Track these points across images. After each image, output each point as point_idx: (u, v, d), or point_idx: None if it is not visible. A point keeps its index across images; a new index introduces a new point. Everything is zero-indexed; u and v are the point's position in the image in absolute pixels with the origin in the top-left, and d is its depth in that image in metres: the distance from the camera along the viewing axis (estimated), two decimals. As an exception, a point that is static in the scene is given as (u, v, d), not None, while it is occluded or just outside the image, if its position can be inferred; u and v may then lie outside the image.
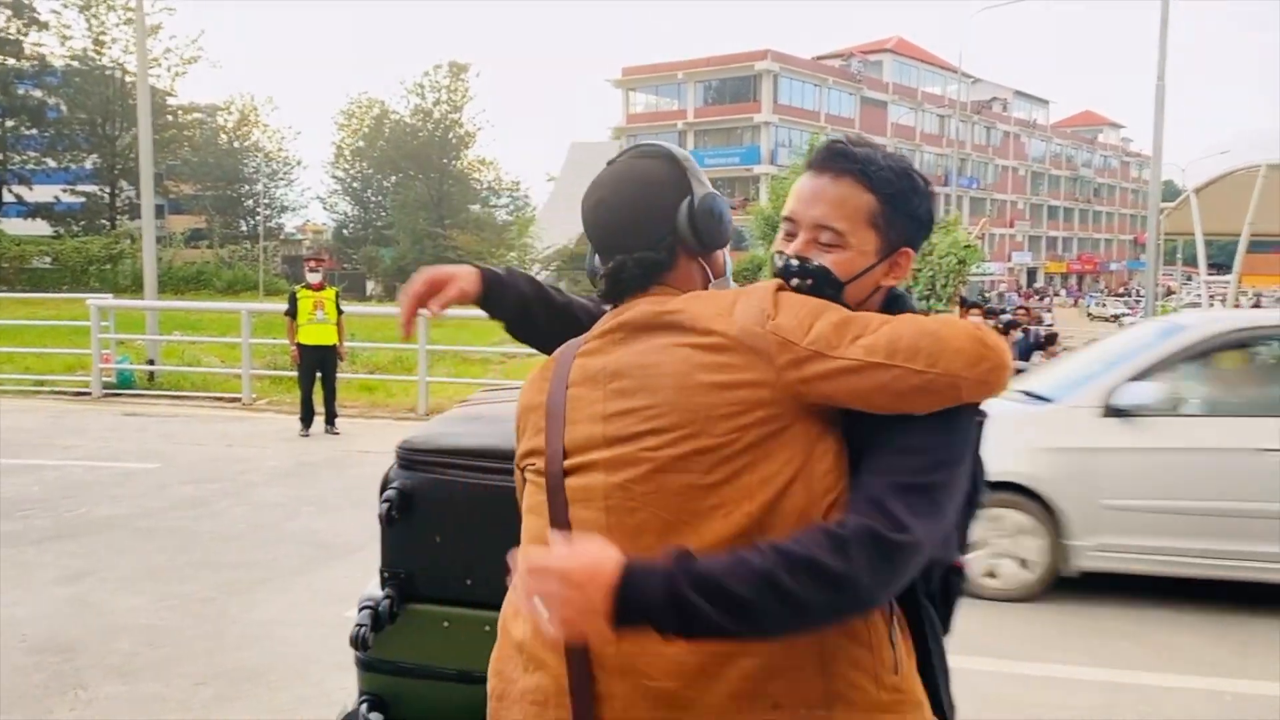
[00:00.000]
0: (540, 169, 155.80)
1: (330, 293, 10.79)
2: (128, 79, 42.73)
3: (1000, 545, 5.85)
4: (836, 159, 1.54)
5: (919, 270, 13.00)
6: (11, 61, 42.19)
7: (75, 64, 44.10)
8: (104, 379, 13.23)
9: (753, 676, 1.36)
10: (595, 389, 1.50)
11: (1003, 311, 19.45)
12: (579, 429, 1.49)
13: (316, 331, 10.54)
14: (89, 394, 13.10)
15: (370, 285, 51.79)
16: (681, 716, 1.38)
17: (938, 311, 12.79)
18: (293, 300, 10.63)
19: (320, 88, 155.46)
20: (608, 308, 1.64)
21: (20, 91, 42.83)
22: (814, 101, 60.97)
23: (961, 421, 1.42)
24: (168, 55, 44.94)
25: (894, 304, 1.58)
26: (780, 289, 1.48)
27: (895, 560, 1.31)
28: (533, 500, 1.56)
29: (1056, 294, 71.50)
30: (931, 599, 1.58)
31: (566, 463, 1.49)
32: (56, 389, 13.68)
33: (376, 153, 58.30)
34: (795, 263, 1.51)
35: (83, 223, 44.77)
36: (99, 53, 44.42)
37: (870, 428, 1.41)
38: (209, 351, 16.28)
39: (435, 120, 57.07)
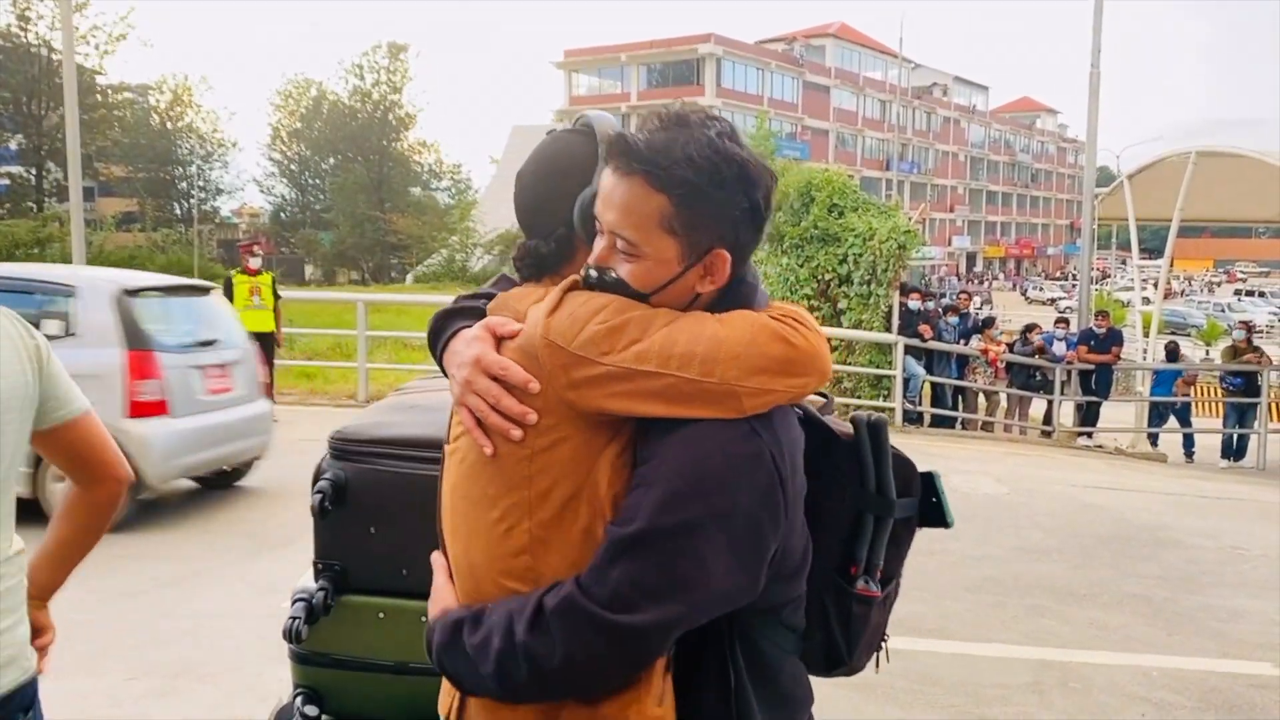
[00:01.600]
0: (483, 152, 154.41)
1: (267, 278, 10.64)
2: (54, 56, 41.45)
3: None
4: (622, 155, 1.32)
5: (860, 255, 13.08)
6: (-69, 38, 40.78)
7: (-2, 41, 42.73)
8: (32, 366, 12.86)
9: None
10: None
11: (943, 296, 19.77)
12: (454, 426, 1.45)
13: (253, 317, 10.35)
14: (16, 382, 12.74)
15: (309, 269, 51.05)
16: None
17: (878, 297, 12.90)
18: (228, 285, 10.43)
19: (256, 68, 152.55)
20: None
21: (-60, 69, 41.44)
22: (757, 85, 61.17)
23: (730, 440, 1.26)
24: (95, 32, 43.66)
25: (727, 301, 1.38)
26: (574, 286, 1.35)
27: (609, 639, 1.23)
28: None
29: (995, 278, 72.77)
30: (808, 628, 1.48)
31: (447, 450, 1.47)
32: (-18, 377, 13.27)
33: (314, 134, 57.39)
34: (594, 273, 1.35)
35: (8, 206, 43.43)
36: (23, 29, 43.00)
37: (644, 436, 1.30)
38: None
39: (374, 102, 56.27)
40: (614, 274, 1.33)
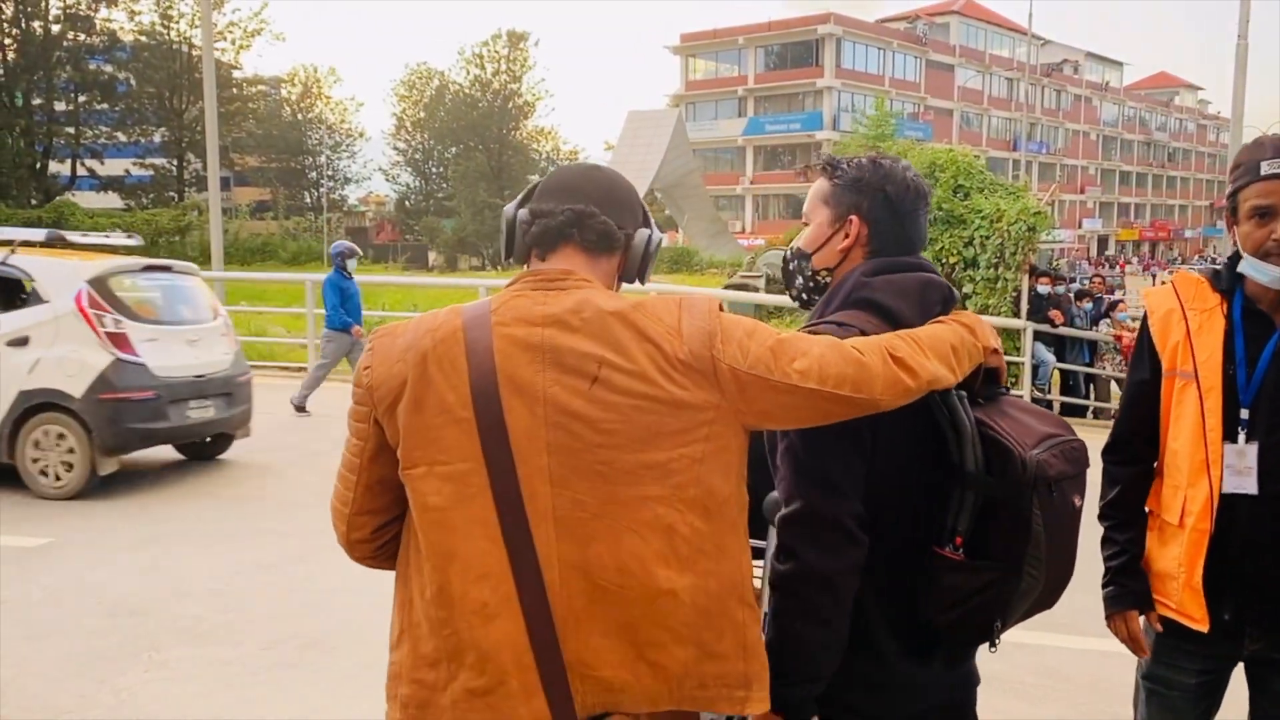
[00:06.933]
0: (599, 137, 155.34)
1: None
2: (194, 53, 43.46)
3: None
4: None
5: (986, 238, 12.66)
6: (83, 37, 43.07)
7: (144, 39, 44.94)
8: (174, 348, 13.47)
9: (685, 663, 1.50)
10: (535, 376, 1.50)
11: (1072, 280, 19.02)
12: (519, 426, 1.49)
13: None
14: (160, 363, 13.36)
15: (432, 256, 52.24)
16: (619, 698, 1.51)
17: (1006, 281, 12.47)
18: None
19: (382, 58, 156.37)
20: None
21: (92, 67, 43.75)
22: (878, 65, 59.91)
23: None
24: (232, 29, 45.61)
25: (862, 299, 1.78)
26: (721, 308, 1.59)
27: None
28: (460, 511, 1.51)
29: (1128, 262, 69.77)
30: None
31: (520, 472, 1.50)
32: (129, 358, 13.97)
33: (437, 124, 58.65)
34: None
35: (152, 195, 45.77)
36: (166, 27, 45.23)
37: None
38: (275, 321, 16.54)
39: (494, 91, 57.18)
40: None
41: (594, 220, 1.62)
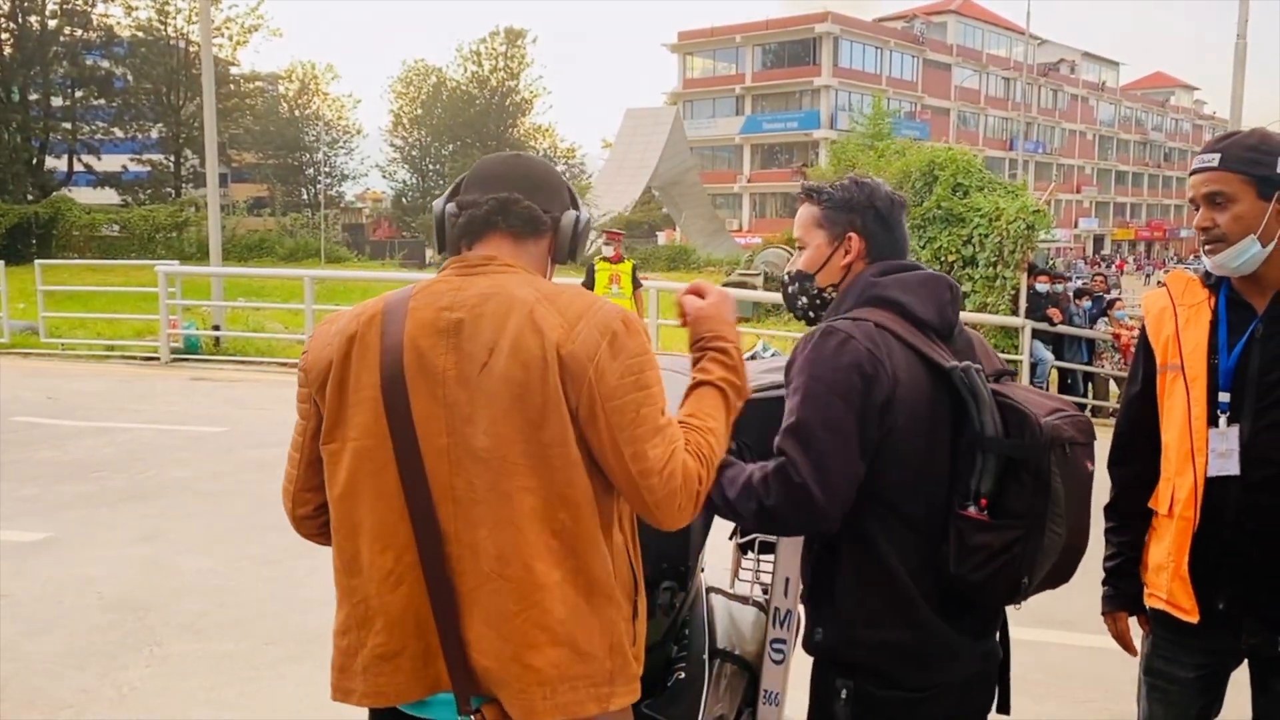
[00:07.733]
0: (596, 135, 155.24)
1: (627, 266, 10.37)
2: (191, 48, 43.34)
3: None
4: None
5: (985, 236, 12.67)
6: (80, 32, 42.92)
7: (141, 34, 44.75)
8: (172, 344, 13.46)
9: (558, 665, 1.56)
10: (438, 359, 1.57)
11: (1068, 279, 19.02)
12: (422, 407, 1.57)
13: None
14: (158, 359, 13.35)
15: (429, 253, 52.12)
16: (499, 691, 1.57)
17: (1004, 279, 12.46)
18: (590, 272, 10.32)
19: (379, 54, 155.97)
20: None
21: (89, 62, 43.57)
22: (875, 64, 59.93)
23: None
24: (229, 24, 45.43)
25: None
26: (629, 321, 1.61)
27: None
28: (367, 485, 1.62)
29: (1126, 261, 69.81)
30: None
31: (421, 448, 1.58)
32: (127, 354, 13.96)
33: (434, 121, 58.49)
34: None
35: (149, 191, 45.58)
36: (163, 23, 45.05)
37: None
38: (272, 317, 16.51)
39: (492, 88, 57.07)
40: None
41: (518, 206, 1.69)
